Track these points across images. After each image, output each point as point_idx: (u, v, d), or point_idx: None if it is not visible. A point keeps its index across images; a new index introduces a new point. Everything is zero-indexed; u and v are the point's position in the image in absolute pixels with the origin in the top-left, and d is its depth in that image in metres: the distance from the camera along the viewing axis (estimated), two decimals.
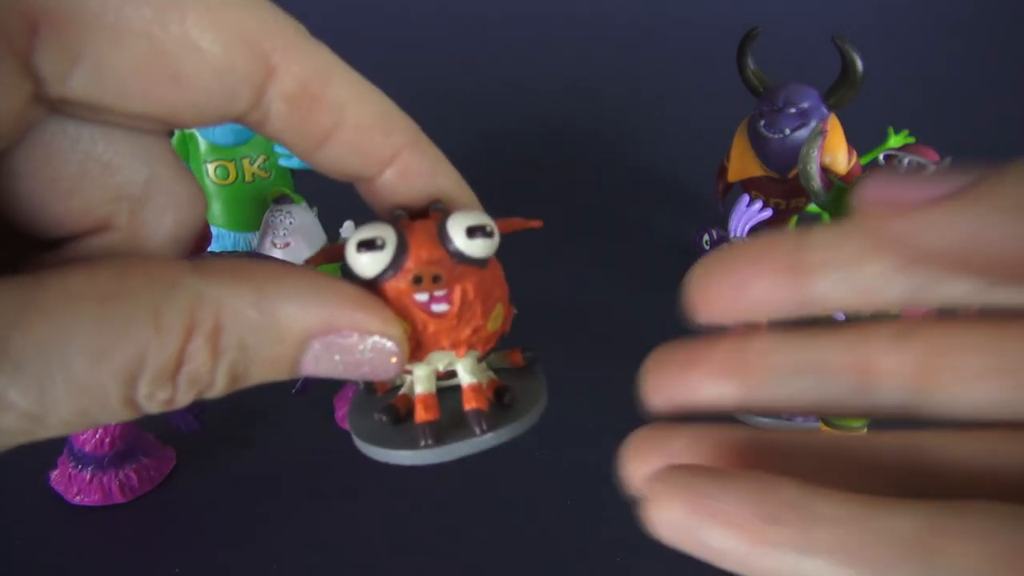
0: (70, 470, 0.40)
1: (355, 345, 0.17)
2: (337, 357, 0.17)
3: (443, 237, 0.17)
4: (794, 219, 0.57)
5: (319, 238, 0.52)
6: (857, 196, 0.14)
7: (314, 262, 0.18)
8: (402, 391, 0.20)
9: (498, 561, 0.38)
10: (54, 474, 0.40)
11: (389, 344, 0.17)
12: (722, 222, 0.49)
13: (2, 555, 0.38)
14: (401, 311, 0.17)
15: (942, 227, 0.13)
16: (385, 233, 0.17)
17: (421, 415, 0.18)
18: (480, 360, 0.19)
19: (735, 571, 0.16)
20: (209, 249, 0.44)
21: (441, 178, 0.19)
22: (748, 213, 0.47)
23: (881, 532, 0.15)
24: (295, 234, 0.50)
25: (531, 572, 0.37)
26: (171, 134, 0.19)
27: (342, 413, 0.44)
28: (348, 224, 0.52)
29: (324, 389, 0.45)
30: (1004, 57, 0.79)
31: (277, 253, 0.50)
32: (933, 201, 0.13)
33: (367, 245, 0.17)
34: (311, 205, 0.52)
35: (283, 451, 0.43)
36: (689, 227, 0.55)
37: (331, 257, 0.19)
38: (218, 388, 0.16)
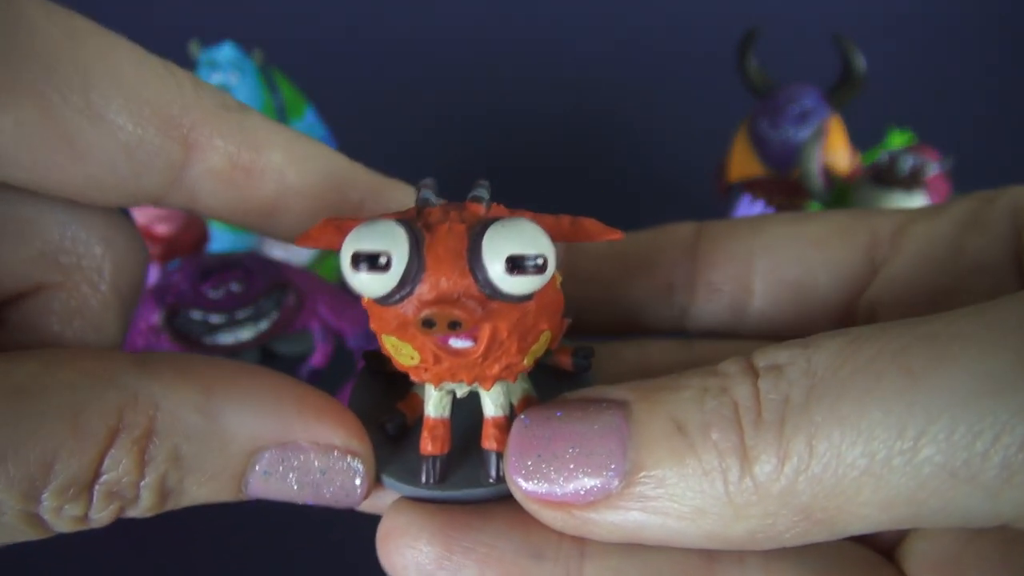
0: None
1: (312, 463, 0.14)
2: (291, 476, 0.14)
3: (474, 262, 0.13)
4: None
5: None
6: (518, 494, 0.14)
7: (311, 240, 0.14)
8: (415, 389, 0.17)
9: None
10: None
11: (353, 463, 0.14)
12: None
13: (2, 556, 0.38)
14: (408, 339, 0.14)
15: (611, 529, 0.13)
16: (393, 244, 0.12)
17: (426, 446, 0.15)
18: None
19: None
20: (208, 249, 0.44)
21: None
22: (750, 213, 0.46)
23: (649, 562, 0.14)
24: None
25: None
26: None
27: None
28: None
29: (324, 389, 0.45)
30: (1006, 57, 0.78)
31: (277, 252, 0.49)
32: (592, 504, 0.13)
33: (367, 261, 0.12)
34: None
35: None
36: None
37: (339, 231, 0.14)
38: (143, 506, 0.13)
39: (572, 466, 0.13)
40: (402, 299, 0.13)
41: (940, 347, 0.11)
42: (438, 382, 0.14)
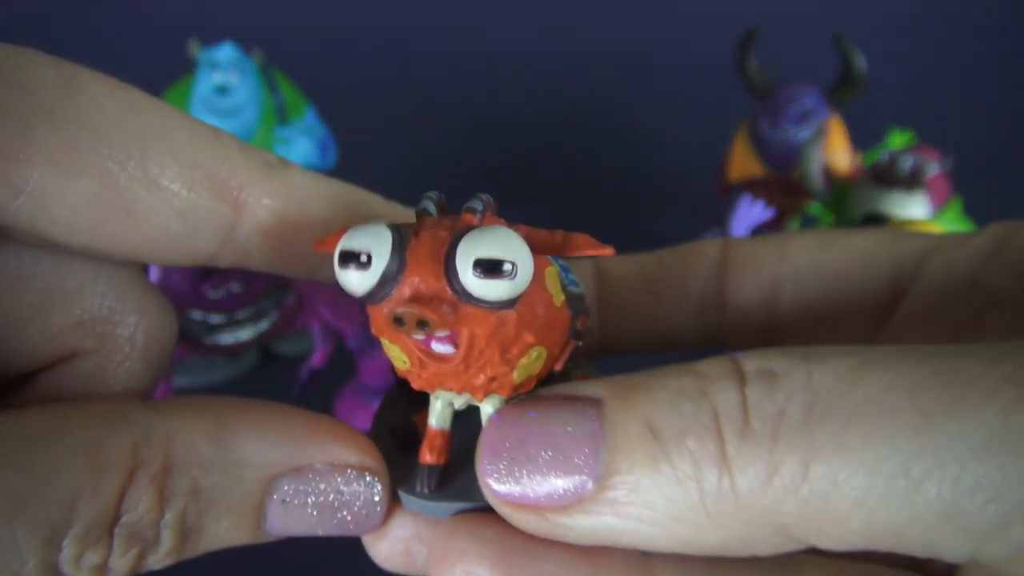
0: None
1: (329, 484, 0.14)
2: (310, 501, 0.14)
3: (449, 265, 0.13)
4: (796, 219, 0.57)
5: None
6: (489, 496, 0.13)
7: (328, 246, 0.15)
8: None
9: None
10: None
11: (370, 480, 0.14)
12: (723, 222, 0.49)
13: None
14: (394, 340, 0.14)
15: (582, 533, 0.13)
16: (376, 244, 0.13)
17: (425, 456, 0.15)
18: (526, 391, 0.15)
19: None
20: None
21: None
22: (750, 213, 0.46)
23: None
24: None
25: None
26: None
27: (340, 414, 0.44)
28: None
29: (324, 389, 0.45)
30: (1006, 57, 0.78)
31: None
32: (563, 507, 0.13)
33: (352, 259, 0.13)
34: None
35: None
36: (689, 227, 0.55)
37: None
38: (164, 549, 0.13)
39: (545, 469, 0.13)
40: (383, 298, 0.13)
41: (958, 392, 0.11)
42: (431, 389, 0.15)
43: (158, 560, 0.13)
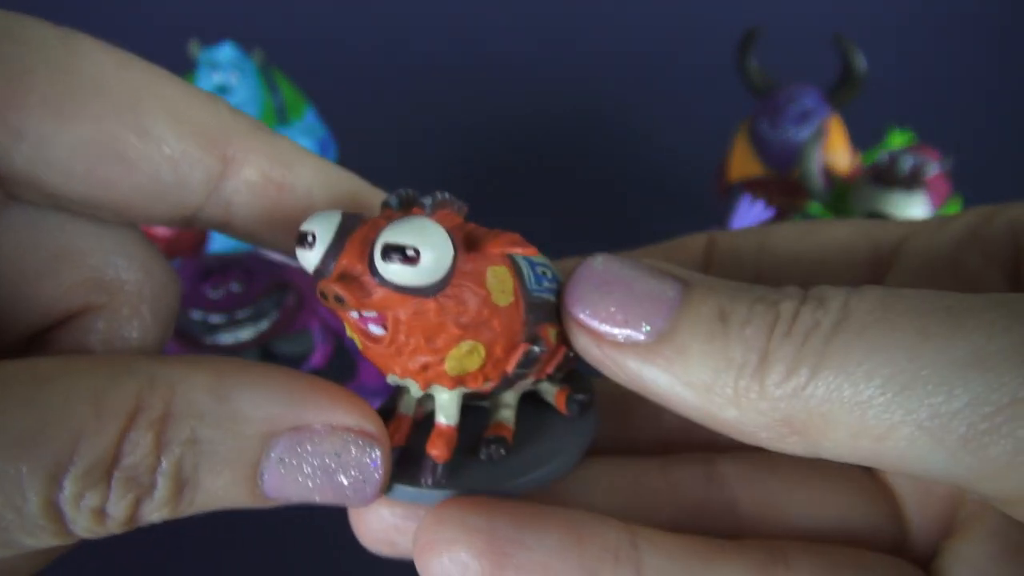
0: None
1: (327, 446, 0.14)
2: (306, 462, 0.14)
3: (372, 249, 0.14)
4: (796, 220, 0.57)
5: None
6: (569, 316, 0.15)
7: None
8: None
9: None
10: None
11: (368, 445, 0.14)
12: (723, 222, 0.49)
13: None
14: (342, 319, 0.15)
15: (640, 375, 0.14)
16: (323, 227, 0.14)
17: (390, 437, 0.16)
18: (489, 392, 0.16)
19: None
20: (208, 249, 0.44)
21: None
22: (750, 213, 0.46)
23: None
24: None
25: None
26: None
27: None
28: None
29: None
30: (1006, 57, 0.78)
31: (277, 253, 0.49)
32: (633, 350, 0.14)
33: (303, 239, 0.14)
34: None
35: None
36: (689, 228, 0.55)
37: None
38: (159, 497, 0.13)
39: (620, 311, 0.14)
40: (325, 277, 0.14)
41: (956, 319, 0.12)
42: (383, 371, 0.15)
43: (153, 509, 0.13)
